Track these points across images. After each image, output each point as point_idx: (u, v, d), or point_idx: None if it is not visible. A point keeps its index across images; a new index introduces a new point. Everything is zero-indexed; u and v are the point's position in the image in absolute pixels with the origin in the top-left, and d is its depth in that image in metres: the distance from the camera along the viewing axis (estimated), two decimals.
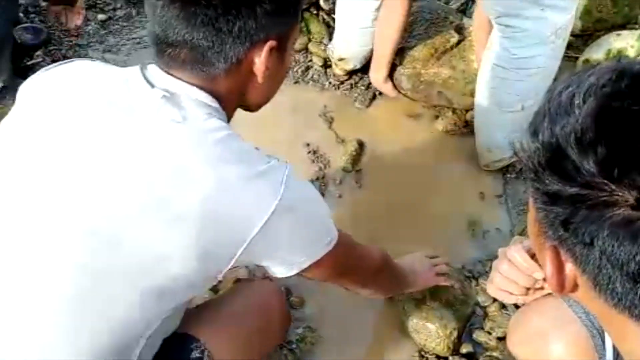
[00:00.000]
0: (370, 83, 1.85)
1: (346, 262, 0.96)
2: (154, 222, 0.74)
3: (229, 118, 0.86)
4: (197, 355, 0.93)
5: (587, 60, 1.74)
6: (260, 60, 0.81)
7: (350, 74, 1.86)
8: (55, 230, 0.75)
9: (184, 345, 0.93)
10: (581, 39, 1.88)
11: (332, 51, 1.83)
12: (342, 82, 1.86)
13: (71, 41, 2.07)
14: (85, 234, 0.75)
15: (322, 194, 1.63)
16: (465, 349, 1.29)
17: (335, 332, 1.33)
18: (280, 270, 0.87)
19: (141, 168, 0.75)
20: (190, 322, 0.95)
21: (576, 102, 0.44)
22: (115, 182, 0.75)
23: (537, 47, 1.41)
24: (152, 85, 0.78)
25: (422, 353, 1.29)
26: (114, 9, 2.22)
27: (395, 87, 1.78)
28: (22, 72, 1.83)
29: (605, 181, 0.41)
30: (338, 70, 1.85)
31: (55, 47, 2.01)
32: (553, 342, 0.83)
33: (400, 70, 1.77)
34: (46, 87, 0.85)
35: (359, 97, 1.83)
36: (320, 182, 1.64)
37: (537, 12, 1.36)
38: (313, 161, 1.68)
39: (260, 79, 0.83)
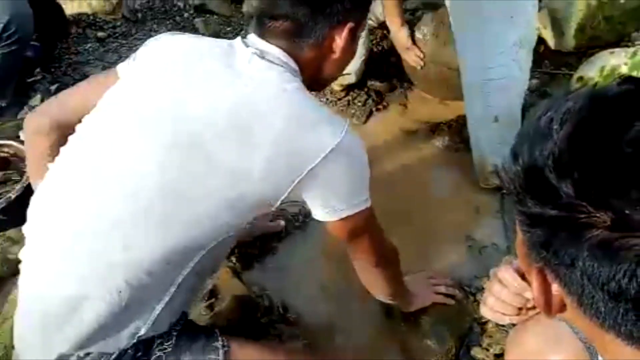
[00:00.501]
0: (367, 99, 1.87)
1: (371, 228, 1.05)
2: (236, 142, 0.89)
3: (305, 83, 1.00)
4: (218, 345, 1.00)
5: (581, 78, 1.76)
6: (340, 38, 0.98)
7: (348, 90, 1.87)
8: (160, 139, 0.91)
9: (215, 333, 1.03)
10: (575, 56, 1.91)
11: None
12: (339, 99, 1.88)
13: (70, 58, 2.09)
14: (179, 145, 0.90)
15: None
16: None
17: (332, 348, 1.32)
18: (321, 213, 0.97)
19: (231, 100, 0.91)
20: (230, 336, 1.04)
21: (554, 126, 0.45)
22: (209, 108, 0.91)
23: (500, 57, 1.43)
24: (247, 46, 0.97)
25: None
26: (113, 27, 2.25)
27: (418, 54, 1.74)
28: (22, 89, 1.84)
29: (583, 203, 0.42)
30: (336, 86, 1.87)
31: (55, 64, 2.03)
32: (550, 357, 0.83)
33: None
34: (166, 45, 1.02)
35: (356, 113, 1.85)
36: None
37: (503, 16, 1.38)
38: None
39: (337, 54, 1.00)
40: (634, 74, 1.68)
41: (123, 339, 0.93)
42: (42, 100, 1.82)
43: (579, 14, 1.86)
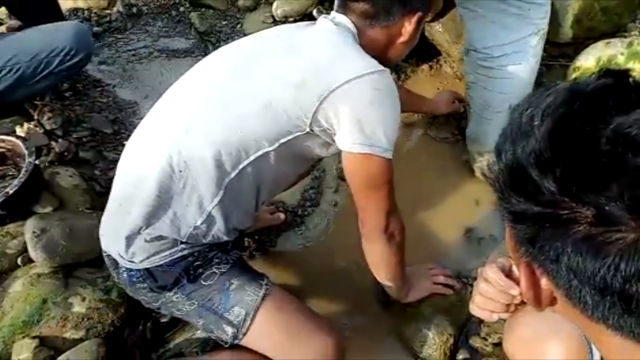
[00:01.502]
0: None
1: (386, 186, 1.08)
2: (287, 51, 1.06)
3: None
4: (262, 283, 1.12)
5: (578, 68, 1.76)
6: (410, 24, 1.10)
7: None
8: (234, 59, 1.11)
9: (263, 275, 1.16)
10: (572, 47, 1.91)
11: None
12: None
13: None
14: (246, 52, 1.11)
15: (318, 203, 1.63)
16: (461, 355, 1.29)
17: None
18: (343, 141, 1.02)
19: (294, 33, 1.11)
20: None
21: (535, 123, 0.45)
22: (274, 37, 1.13)
23: (518, 45, 1.43)
24: (327, 17, 1.11)
25: (421, 359, 1.29)
26: (109, 22, 2.24)
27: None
28: (33, 95, 1.82)
29: (565, 199, 0.42)
30: None
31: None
32: (548, 345, 0.83)
33: None
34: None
35: None
36: (317, 190, 1.65)
37: (518, 9, 1.38)
38: (309, 170, 1.68)
39: (404, 38, 1.11)
40: (630, 64, 1.68)
41: (182, 227, 1.06)
42: (41, 96, 1.81)
43: (576, 5, 1.86)
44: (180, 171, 1.03)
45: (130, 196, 1.07)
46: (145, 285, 1.10)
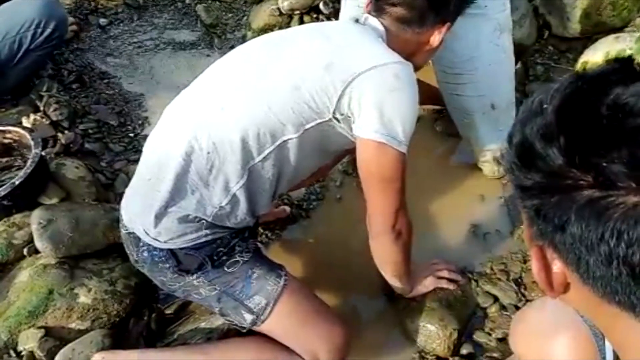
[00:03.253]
0: None
1: (398, 181, 1.09)
2: (318, 38, 1.10)
3: None
4: (281, 274, 1.17)
5: (585, 63, 1.75)
6: (440, 34, 1.12)
7: None
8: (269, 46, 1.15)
9: (282, 267, 1.20)
10: (580, 41, 1.89)
11: None
12: None
13: (72, 45, 2.08)
14: (282, 39, 1.16)
15: (323, 196, 1.63)
16: (465, 349, 1.29)
17: None
18: (362, 127, 1.04)
19: (328, 28, 1.21)
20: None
21: (544, 105, 0.48)
22: (311, 30, 1.19)
23: (483, 45, 1.42)
24: (357, 21, 1.15)
25: (423, 354, 1.30)
26: (115, 14, 2.23)
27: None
28: (26, 77, 1.83)
29: (569, 168, 0.44)
30: None
31: (57, 51, 2.02)
32: (555, 340, 0.83)
33: None
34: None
35: None
36: (321, 185, 1.65)
37: (475, 8, 1.36)
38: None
39: (432, 46, 1.14)
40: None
41: (208, 207, 1.08)
42: (48, 88, 1.82)
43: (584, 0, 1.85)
44: (209, 153, 1.05)
45: (158, 172, 1.09)
46: (168, 265, 1.12)
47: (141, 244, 1.13)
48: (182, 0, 2.30)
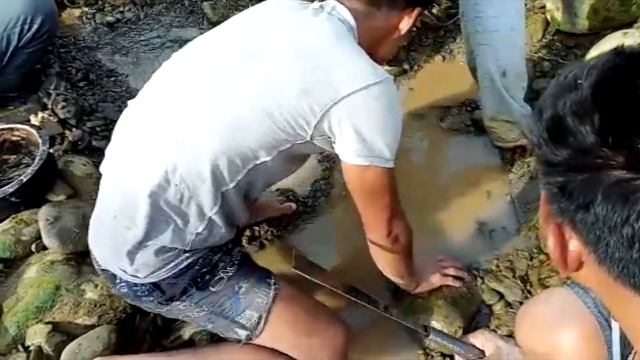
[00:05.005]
0: None
1: (389, 194, 1.06)
2: (288, 49, 0.98)
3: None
4: (270, 283, 1.12)
5: (593, 59, 1.73)
6: (409, 19, 1.06)
7: None
8: (225, 51, 1.04)
9: (270, 273, 1.15)
10: (588, 38, 1.88)
11: None
12: None
13: (80, 43, 2.09)
14: (241, 47, 1.02)
15: (328, 193, 1.63)
16: None
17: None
18: (344, 151, 1.00)
19: (293, 25, 1.02)
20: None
21: (579, 80, 0.46)
22: (272, 27, 1.02)
23: (508, 6, 1.43)
24: (321, 4, 1.05)
25: (428, 351, 1.29)
26: (122, 12, 2.24)
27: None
28: (34, 74, 1.85)
29: (601, 146, 0.43)
30: None
31: (65, 49, 2.04)
32: (561, 332, 0.82)
33: None
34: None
35: None
36: (326, 181, 1.65)
37: None
38: (320, 161, 1.68)
39: (400, 33, 1.07)
40: None
41: (185, 236, 1.03)
42: (56, 85, 1.83)
43: None
44: (177, 185, 0.99)
45: (125, 210, 1.02)
46: (152, 298, 1.08)
47: (118, 281, 1.09)
48: None
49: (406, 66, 1.95)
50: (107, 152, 1.10)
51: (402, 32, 1.08)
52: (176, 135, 0.99)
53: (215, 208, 1.02)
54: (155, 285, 1.06)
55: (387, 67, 1.90)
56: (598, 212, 0.43)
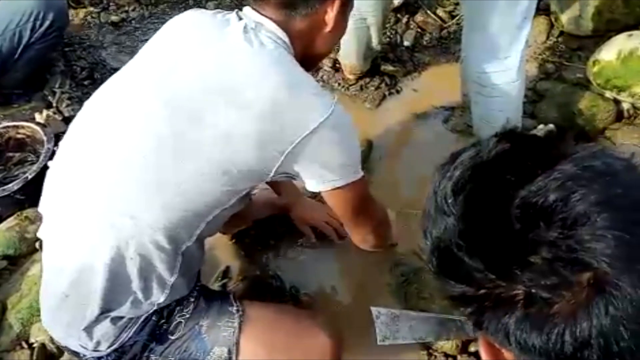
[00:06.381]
0: (380, 83, 1.86)
1: (363, 200, 1.08)
2: (226, 105, 0.91)
3: (295, 57, 1.00)
4: (233, 310, 1.06)
5: (597, 61, 1.73)
6: (332, 10, 0.99)
7: (361, 76, 1.87)
8: (151, 103, 0.94)
9: (229, 298, 1.09)
10: (592, 39, 1.88)
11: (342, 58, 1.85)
12: (351, 84, 1.87)
13: (85, 42, 2.10)
14: (172, 108, 0.93)
15: None
16: (474, 347, 1.29)
17: (344, 329, 1.33)
18: (312, 184, 1.00)
19: (224, 65, 0.94)
20: (246, 297, 1.12)
21: (449, 201, 0.46)
22: (201, 71, 0.94)
23: (513, 55, 1.38)
24: (241, 19, 0.99)
25: (431, 351, 1.29)
26: (127, 11, 2.25)
27: None
28: (39, 72, 1.85)
29: (496, 279, 0.42)
30: (349, 75, 1.86)
31: (70, 48, 2.04)
32: None
33: None
34: (176, 21, 1.07)
35: (368, 97, 1.84)
36: None
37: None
38: None
39: (329, 27, 1.00)
40: None
41: (144, 305, 0.98)
42: (60, 84, 1.84)
43: None
44: (132, 258, 0.93)
45: (77, 288, 0.96)
46: None
47: (82, 356, 1.03)
48: None
49: (410, 67, 1.95)
50: (44, 215, 1.02)
51: (331, 26, 1.00)
52: (124, 209, 0.93)
53: (176, 273, 0.98)
54: (118, 351, 1.01)
55: (390, 68, 1.91)
56: (518, 341, 0.43)
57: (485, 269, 0.43)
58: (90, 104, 1.03)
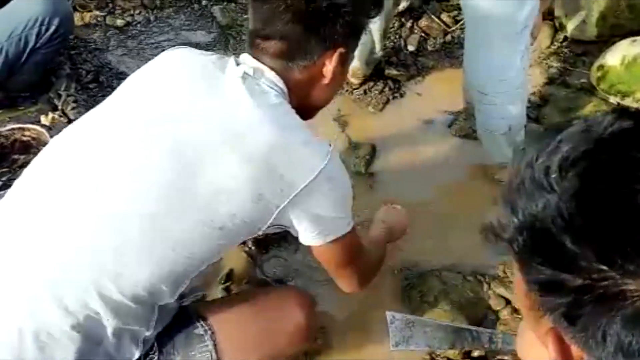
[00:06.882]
0: (384, 87, 1.87)
1: (353, 252, 1.05)
2: (230, 154, 0.89)
3: (292, 106, 0.98)
4: (201, 332, 1.01)
5: (602, 67, 1.73)
6: (331, 63, 0.96)
7: (364, 80, 1.87)
8: (150, 158, 0.91)
9: (191, 320, 1.02)
10: (596, 45, 1.88)
11: None
12: (355, 88, 1.88)
13: (90, 45, 2.11)
14: (172, 160, 0.90)
15: None
16: (476, 352, 1.28)
17: (346, 333, 1.33)
18: (306, 238, 0.99)
19: (227, 115, 0.92)
20: (204, 306, 1.06)
21: (552, 176, 0.40)
22: (203, 122, 0.92)
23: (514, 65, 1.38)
24: (239, 64, 0.96)
25: (433, 356, 1.29)
26: (132, 15, 2.26)
27: None
28: (45, 75, 1.86)
29: (607, 270, 0.37)
30: (352, 79, 1.86)
31: (75, 51, 2.05)
32: None
33: None
34: (168, 62, 1.02)
35: (372, 101, 1.84)
36: None
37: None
38: None
39: (327, 80, 0.98)
40: None
41: None
42: (66, 87, 1.85)
43: (602, 2, 1.83)
44: (108, 320, 0.89)
45: (46, 352, 0.88)
46: None
47: None
48: (198, 1, 2.32)
49: (414, 71, 1.95)
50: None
51: (329, 78, 0.98)
52: (110, 266, 0.88)
53: (150, 330, 0.95)
54: None
55: (394, 72, 1.91)
56: (618, 344, 0.37)
57: (597, 259, 0.37)
58: (69, 144, 0.95)
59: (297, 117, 0.96)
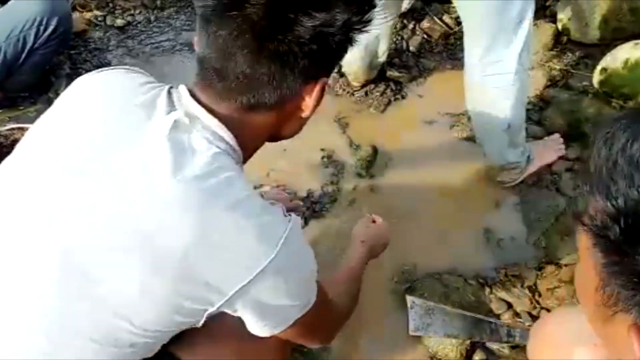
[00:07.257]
0: (385, 89, 1.86)
1: (313, 323, 0.85)
2: (136, 261, 0.70)
3: (247, 154, 0.81)
4: None
5: (604, 69, 1.73)
6: (311, 97, 0.77)
7: (366, 82, 1.86)
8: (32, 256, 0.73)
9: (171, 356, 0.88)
10: (598, 48, 1.87)
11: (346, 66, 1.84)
12: (356, 90, 1.87)
13: (90, 45, 2.11)
14: (63, 266, 0.71)
15: (336, 199, 1.63)
16: (477, 356, 1.28)
17: (346, 336, 1.32)
18: (253, 328, 0.80)
19: (133, 199, 0.71)
20: (173, 341, 0.85)
21: None
22: (102, 216, 0.71)
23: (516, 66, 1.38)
24: (173, 108, 0.75)
25: (435, 359, 1.29)
26: (133, 15, 2.25)
27: None
28: (44, 74, 1.86)
29: None
30: (354, 82, 1.85)
31: (75, 51, 2.05)
32: (575, 352, 0.81)
33: None
34: (78, 95, 0.87)
35: (373, 103, 1.84)
36: (334, 187, 1.65)
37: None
38: (327, 166, 1.68)
39: (305, 113, 0.80)
40: None
41: None
42: (66, 87, 1.84)
43: (604, 5, 1.83)
44: None
45: None
46: None
47: None
48: None
49: (415, 73, 1.95)
50: None
51: (307, 112, 0.80)
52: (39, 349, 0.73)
53: None
54: None
55: (396, 74, 1.90)
56: None
57: None
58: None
59: (239, 183, 0.74)
